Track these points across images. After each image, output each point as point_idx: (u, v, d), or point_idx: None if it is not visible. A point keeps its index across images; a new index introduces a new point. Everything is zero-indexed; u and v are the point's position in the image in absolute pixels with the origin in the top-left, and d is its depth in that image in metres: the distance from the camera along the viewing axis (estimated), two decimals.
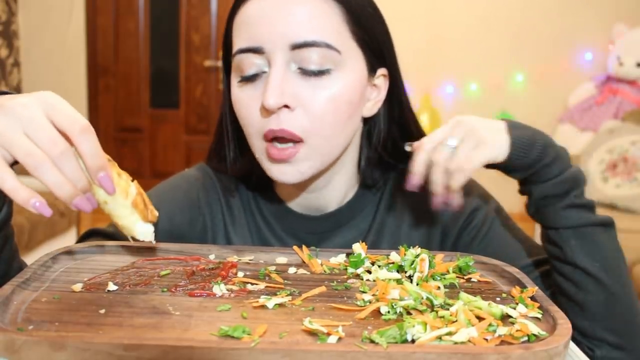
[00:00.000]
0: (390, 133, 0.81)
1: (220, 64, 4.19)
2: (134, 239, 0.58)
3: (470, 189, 0.83)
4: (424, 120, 3.78)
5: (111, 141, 4.52)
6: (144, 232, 0.58)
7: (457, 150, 0.68)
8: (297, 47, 0.68)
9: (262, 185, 0.83)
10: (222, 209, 0.84)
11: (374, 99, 0.78)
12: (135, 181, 0.58)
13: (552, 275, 0.71)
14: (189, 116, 4.35)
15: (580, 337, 0.68)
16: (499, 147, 0.68)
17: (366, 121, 0.79)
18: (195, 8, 4.25)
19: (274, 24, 0.68)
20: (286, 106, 0.68)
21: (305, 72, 0.69)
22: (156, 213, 0.59)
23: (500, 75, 3.97)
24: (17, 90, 3.92)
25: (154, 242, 0.59)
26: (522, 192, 0.74)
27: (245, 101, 0.71)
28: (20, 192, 0.50)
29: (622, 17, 3.73)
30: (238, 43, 0.71)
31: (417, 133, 0.84)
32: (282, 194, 0.83)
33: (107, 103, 4.36)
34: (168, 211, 0.81)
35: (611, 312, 0.67)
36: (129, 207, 0.56)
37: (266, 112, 0.69)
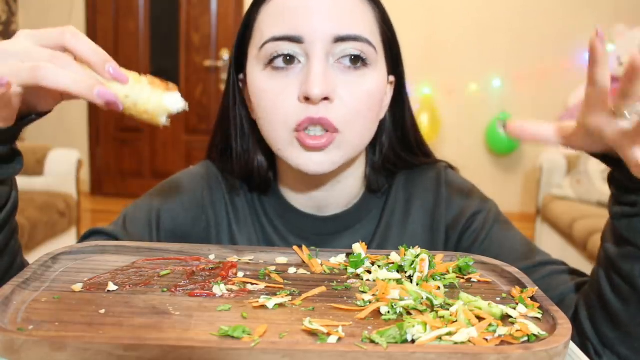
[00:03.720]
0: (392, 141, 0.83)
1: (220, 64, 4.21)
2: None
3: (470, 192, 0.84)
4: (424, 121, 3.79)
5: (111, 141, 4.52)
6: (174, 100, 0.56)
7: None
8: (339, 39, 0.68)
9: (264, 186, 0.83)
10: (226, 208, 0.84)
11: (382, 104, 0.79)
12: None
13: (597, 283, 0.64)
14: (189, 116, 4.35)
15: (595, 341, 0.65)
16: None
17: None
18: (195, 8, 4.25)
19: (317, 15, 0.67)
20: (326, 98, 0.68)
21: (343, 67, 0.69)
22: (172, 84, 0.57)
23: (500, 75, 3.97)
24: None
25: (187, 107, 0.57)
26: (622, 193, 0.60)
27: (276, 90, 0.69)
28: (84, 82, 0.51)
29: (622, 17, 3.73)
30: (271, 31, 0.69)
31: (417, 139, 0.85)
32: (286, 194, 0.83)
33: None
34: (172, 210, 0.81)
35: None
36: (149, 87, 0.55)
37: (305, 101, 0.68)
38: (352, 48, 0.69)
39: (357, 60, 0.70)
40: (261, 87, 0.71)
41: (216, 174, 0.85)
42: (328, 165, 0.71)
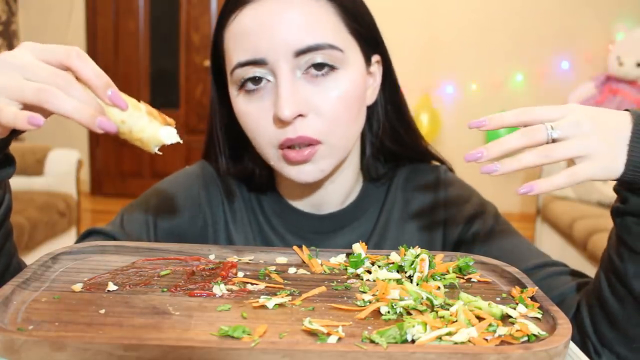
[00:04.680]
0: (388, 117, 0.83)
1: None
2: (161, 150, 0.57)
3: (469, 196, 0.84)
4: (423, 121, 3.79)
5: (111, 141, 4.52)
6: (169, 134, 0.56)
7: (555, 146, 0.57)
8: (301, 53, 0.67)
9: (262, 185, 0.84)
10: (223, 207, 0.84)
11: (372, 86, 0.79)
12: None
13: (598, 283, 0.65)
14: (189, 116, 4.35)
15: (595, 340, 0.65)
16: (611, 169, 0.57)
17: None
18: (195, 8, 4.25)
19: (274, 33, 0.67)
20: (300, 115, 0.68)
21: (311, 76, 0.69)
22: (170, 119, 0.58)
23: (500, 75, 3.97)
24: None
25: (181, 141, 0.58)
26: (617, 190, 0.62)
27: (254, 114, 0.71)
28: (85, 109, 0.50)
29: (622, 17, 3.73)
30: (237, 56, 0.70)
31: (408, 116, 0.85)
32: (284, 192, 0.84)
33: None
34: (168, 209, 0.82)
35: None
36: (146, 117, 0.55)
37: (280, 123, 0.68)
38: (316, 58, 0.68)
39: (323, 66, 0.69)
40: (240, 112, 0.72)
41: (212, 173, 0.86)
42: (317, 173, 0.72)
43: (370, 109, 0.80)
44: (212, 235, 0.83)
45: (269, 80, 0.69)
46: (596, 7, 3.86)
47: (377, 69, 0.79)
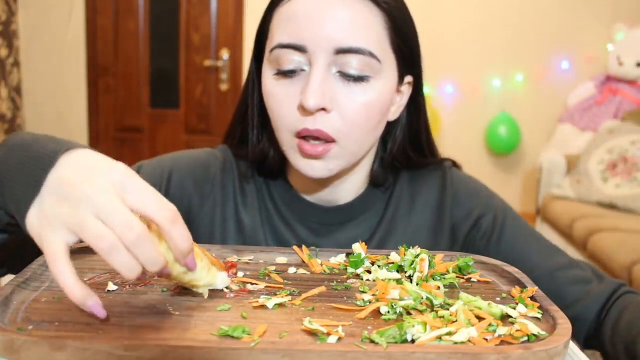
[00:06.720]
0: (405, 141, 0.83)
1: (220, 64, 4.22)
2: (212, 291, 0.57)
3: (477, 192, 0.84)
4: None
5: (111, 141, 4.52)
6: (223, 280, 0.57)
7: None
8: (341, 52, 0.68)
9: (274, 170, 0.84)
10: (235, 191, 0.85)
11: (398, 104, 0.79)
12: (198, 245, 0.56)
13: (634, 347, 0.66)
14: (189, 116, 4.35)
15: None
16: None
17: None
18: (195, 8, 4.25)
19: (321, 25, 0.68)
20: (323, 109, 0.69)
21: (344, 77, 0.70)
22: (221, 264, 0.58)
23: (500, 75, 3.97)
24: (17, 90, 3.92)
25: (231, 286, 0.58)
26: None
27: (281, 96, 0.72)
28: (77, 291, 0.45)
29: (622, 17, 3.73)
30: (279, 37, 0.71)
31: (427, 140, 0.85)
32: (294, 182, 0.84)
33: (107, 103, 4.36)
34: (183, 177, 0.83)
35: None
36: (205, 270, 0.54)
37: (303, 111, 0.70)
38: (353, 61, 0.69)
39: (358, 71, 0.70)
40: (268, 91, 0.73)
41: (231, 159, 0.87)
42: (325, 172, 0.73)
43: (391, 127, 0.81)
44: (220, 217, 0.83)
45: (303, 70, 0.71)
46: (596, 7, 3.86)
47: (407, 89, 0.80)
